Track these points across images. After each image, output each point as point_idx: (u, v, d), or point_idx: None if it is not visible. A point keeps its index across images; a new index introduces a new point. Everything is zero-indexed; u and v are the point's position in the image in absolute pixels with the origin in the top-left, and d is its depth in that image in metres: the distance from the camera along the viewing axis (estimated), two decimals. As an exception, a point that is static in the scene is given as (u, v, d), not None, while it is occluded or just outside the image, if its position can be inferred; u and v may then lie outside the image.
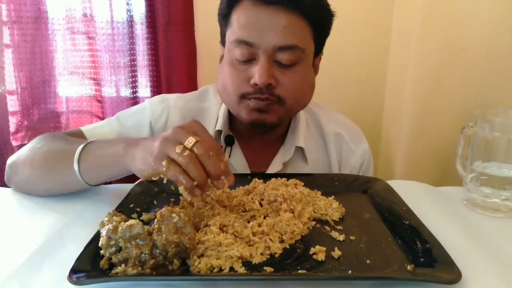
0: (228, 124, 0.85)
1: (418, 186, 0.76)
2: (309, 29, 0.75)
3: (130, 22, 1.41)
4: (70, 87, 1.44)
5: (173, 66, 1.41)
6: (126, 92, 1.46)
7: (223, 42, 0.81)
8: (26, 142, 1.37)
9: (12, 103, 1.35)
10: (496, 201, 0.64)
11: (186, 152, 0.53)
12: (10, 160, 0.74)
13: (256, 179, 0.69)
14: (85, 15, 1.38)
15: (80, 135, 0.82)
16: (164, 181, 0.55)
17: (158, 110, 0.87)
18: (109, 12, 1.38)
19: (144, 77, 1.47)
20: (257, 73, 0.72)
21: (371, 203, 0.66)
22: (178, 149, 0.53)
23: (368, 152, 0.92)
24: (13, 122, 1.36)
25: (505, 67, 0.97)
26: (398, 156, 1.30)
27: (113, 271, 0.45)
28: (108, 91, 1.44)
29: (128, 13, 1.41)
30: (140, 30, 1.41)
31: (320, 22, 0.76)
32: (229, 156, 0.84)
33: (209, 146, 0.54)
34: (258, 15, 0.71)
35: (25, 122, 1.37)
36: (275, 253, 0.50)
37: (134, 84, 1.47)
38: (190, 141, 0.54)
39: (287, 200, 0.62)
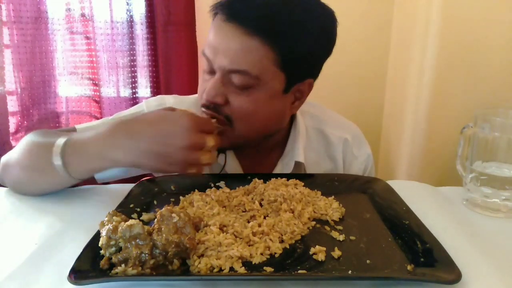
0: None
1: (418, 186, 0.76)
2: (273, 56, 0.68)
3: (130, 22, 1.41)
4: (70, 87, 1.43)
5: (173, 67, 1.41)
6: (125, 92, 1.46)
7: None
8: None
9: (12, 103, 1.35)
10: (496, 201, 0.64)
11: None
12: (2, 160, 0.72)
13: (256, 179, 0.69)
14: (85, 15, 1.38)
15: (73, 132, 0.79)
16: None
17: None
18: (109, 12, 1.38)
19: (144, 78, 1.47)
20: (207, 88, 0.71)
21: (371, 203, 0.66)
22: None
23: (371, 157, 0.92)
24: (13, 122, 1.36)
25: (505, 67, 0.97)
26: (398, 156, 1.30)
27: (113, 271, 0.45)
28: (108, 91, 1.44)
29: (128, 13, 1.41)
30: (140, 30, 1.41)
31: (291, 52, 0.69)
32: (225, 164, 0.81)
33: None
34: (218, 32, 0.69)
35: (25, 122, 1.37)
36: (275, 253, 0.50)
37: (134, 85, 1.47)
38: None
39: (287, 200, 0.61)
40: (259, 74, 0.69)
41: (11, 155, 0.71)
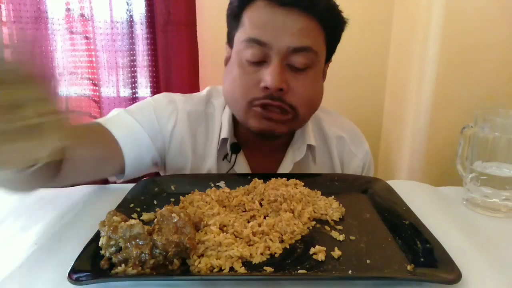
0: (233, 130, 0.82)
1: (418, 186, 0.76)
2: (323, 34, 0.73)
3: (130, 22, 1.41)
4: (69, 88, 1.43)
5: (173, 67, 1.41)
6: (125, 92, 1.46)
7: (230, 43, 0.78)
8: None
9: (12, 103, 1.35)
10: (496, 201, 0.64)
11: None
12: None
13: (256, 179, 0.69)
14: (84, 15, 1.38)
15: (100, 127, 0.73)
16: None
17: (166, 112, 0.81)
18: (109, 12, 1.39)
19: (144, 78, 1.47)
20: (268, 76, 0.69)
21: (371, 203, 0.66)
22: None
23: (369, 154, 0.92)
24: (12, 122, 1.35)
25: (505, 67, 0.97)
26: (398, 156, 1.31)
27: (113, 271, 0.45)
28: (108, 91, 1.44)
29: (128, 13, 1.41)
30: (140, 30, 1.41)
31: (333, 29, 0.75)
32: (234, 164, 0.81)
33: None
34: (272, 15, 0.69)
35: (25, 122, 1.37)
36: (275, 253, 0.50)
37: (133, 85, 1.47)
38: None
39: (287, 200, 0.61)
40: (318, 50, 0.73)
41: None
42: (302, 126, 0.82)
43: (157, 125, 0.80)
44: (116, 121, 0.76)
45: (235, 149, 0.81)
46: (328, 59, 0.80)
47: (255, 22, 0.70)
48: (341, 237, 0.54)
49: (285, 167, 0.83)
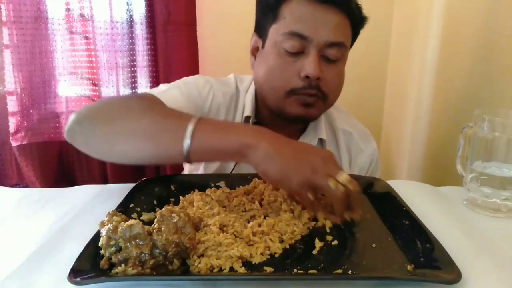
0: (255, 110, 0.87)
1: (418, 186, 0.76)
2: (351, 30, 0.80)
3: (130, 22, 1.41)
4: (69, 88, 1.44)
5: (173, 67, 1.41)
6: (125, 92, 1.46)
7: (260, 32, 0.83)
8: (25, 142, 1.37)
9: (12, 104, 1.35)
10: (496, 201, 0.64)
11: (341, 188, 0.55)
12: (84, 112, 0.67)
13: (256, 179, 0.69)
14: (84, 15, 1.38)
15: (152, 98, 0.74)
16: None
17: (204, 91, 0.86)
18: (109, 12, 1.39)
19: (143, 78, 1.47)
20: (308, 65, 0.75)
21: (371, 203, 0.66)
22: (331, 183, 0.55)
23: (377, 153, 0.95)
24: (12, 122, 1.36)
25: (505, 67, 0.97)
26: (398, 156, 1.31)
27: (113, 271, 0.45)
28: (108, 91, 1.44)
29: (128, 13, 1.41)
30: (140, 30, 1.41)
31: (358, 26, 0.82)
32: None
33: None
34: (313, 11, 0.75)
35: (25, 122, 1.37)
36: (275, 253, 0.50)
37: (133, 85, 1.47)
38: (344, 177, 0.56)
39: (287, 200, 0.61)
40: (348, 45, 0.81)
41: (107, 108, 0.67)
42: (326, 110, 0.87)
43: (199, 99, 0.85)
44: (169, 95, 0.79)
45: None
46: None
47: (297, 16, 0.75)
48: (341, 237, 0.54)
49: None
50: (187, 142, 0.58)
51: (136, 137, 0.62)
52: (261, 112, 0.88)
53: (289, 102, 0.79)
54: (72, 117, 0.67)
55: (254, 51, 0.86)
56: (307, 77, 0.76)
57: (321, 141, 0.89)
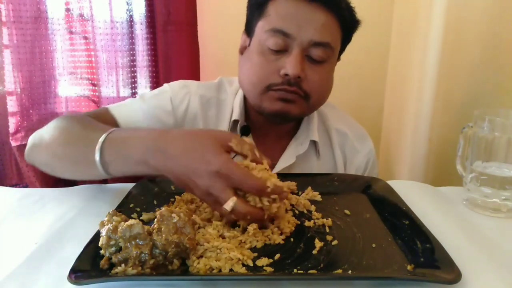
0: (244, 114, 0.86)
1: (418, 186, 0.76)
2: (340, 32, 0.78)
3: (130, 22, 1.41)
4: (69, 88, 1.43)
5: (173, 67, 1.41)
6: (125, 92, 1.46)
7: (248, 31, 0.82)
8: (25, 142, 1.37)
9: (12, 104, 1.34)
10: (496, 201, 0.64)
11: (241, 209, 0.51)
12: (31, 140, 0.73)
13: None
14: (84, 15, 1.38)
15: (106, 114, 0.81)
16: None
17: (179, 95, 0.86)
18: (109, 12, 1.38)
19: (143, 78, 1.47)
20: (289, 64, 0.73)
21: (371, 203, 0.66)
22: (227, 206, 0.51)
23: (373, 152, 0.93)
24: (12, 122, 1.35)
25: (505, 67, 0.97)
26: (398, 156, 1.30)
27: (113, 271, 0.45)
28: (108, 92, 1.44)
29: (128, 13, 1.41)
30: (140, 30, 1.41)
31: (349, 28, 0.80)
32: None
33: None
34: (298, 8, 0.73)
35: (25, 122, 1.37)
36: (275, 254, 0.50)
37: (133, 85, 1.47)
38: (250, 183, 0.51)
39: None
40: (335, 47, 0.78)
41: (43, 137, 0.70)
42: (311, 113, 0.86)
43: (170, 109, 0.85)
44: (124, 110, 0.83)
45: (245, 131, 0.85)
46: (338, 57, 0.84)
47: (281, 14, 0.74)
48: (341, 237, 0.54)
49: (287, 159, 0.86)
50: (97, 158, 0.59)
51: (67, 163, 0.66)
52: (251, 115, 0.87)
53: (267, 97, 0.77)
54: (28, 142, 0.74)
55: (242, 50, 0.84)
56: (286, 75, 0.74)
57: (314, 143, 0.88)
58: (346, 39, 0.81)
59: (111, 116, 0.81)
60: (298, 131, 0.89)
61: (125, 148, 0.58)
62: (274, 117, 0.79)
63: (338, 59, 0.85)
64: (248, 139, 0.57)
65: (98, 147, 0.59)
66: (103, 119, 0.77)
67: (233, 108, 0.86)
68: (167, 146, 0.54)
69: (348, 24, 0.78)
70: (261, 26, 0.77)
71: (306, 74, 0.75)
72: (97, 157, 0.59)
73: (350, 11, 0.78)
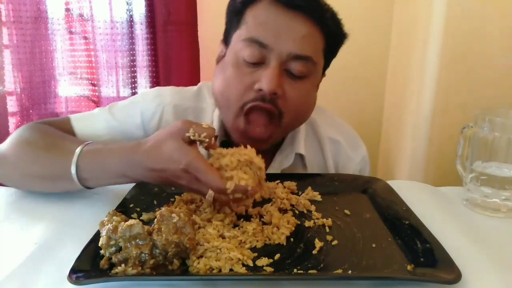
0: (223, 129, 0.79)
1: (418, 186, 0.76)
2: (323, 45, 0.71)
3: (130, 22, 1.41)
4: (69, 88, 1.44)
5: (173, 67, 1.41)
6: (125, 92, 1.46)
7: (226, 40, 0.75)
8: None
9: (12, 104, 1.35)
10: (496, 201, 0.64)
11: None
12: None
13: None
14: (84, 15, 1.38)
15: (67, 124, 0.76)
16: None
17: (151, 107, 0.80)
18: (109, 12, 1.39)
19: (143, 78, 1.47)
20: (264, 78, 0.66)
21: (371, 203, 0.66)
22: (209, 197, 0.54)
23: (366, 158, 0.89)
24: (12, 122, 1.35)
25: (505, 67, 0.97)
26: (398, 156, 1.31)
27: (113, 271, 0.45)
28: (108, 91, 1.45)
29: (128, 13, 1.41)
30: (140, 30, 1.41)
31: (334, 41, 0.73)
32: None
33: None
34: (277, 16, 0.66)
35: (25, 122, 1.37)
36: (275, 254, 0.50)
37: (133, 85, 1.47)
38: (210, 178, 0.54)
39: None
40: (317, 61, 0.70)
41: (6, 156, 0.67)
42: (284, 135, 0.80)
43: (139, 121, 0.80)
44: (86, 124, 0.78)
45: (226, 146, 0.80)
46: (323, 72, 0.78)
47: (258, 22, 0.67)
48: (341, 237, 0.54)
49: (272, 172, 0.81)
50: (73, 172, 0.59)
51: (38, 181, 0.65)
52: None
53: (236, 127, 0.70)
54: None
55: (219, 60, 0.77)
56: (260, 90, 0.67)
57: (300, 156, 0.82)
58: (330, 53, 0.75)
59: (71, 127, 0.76)
60: (282, 144, 0.82)
61: (102, 162, 0.59)
62: (241, 138, 0.72)
63: (323, 74, 0.79)
64: (207, 124, 0.58)
65: (74, 162, 0.59)
66: (63, 129, 0.73)
67: (213, 120, 0.80)
68: (142, 158, 0.56)
69: (333, 36, 0.72)
70: (237, 35, 0.70)
71: (284, 91, 0.68)
72: (73, 171, 0.59)
73: (336, 22, 0.72)
